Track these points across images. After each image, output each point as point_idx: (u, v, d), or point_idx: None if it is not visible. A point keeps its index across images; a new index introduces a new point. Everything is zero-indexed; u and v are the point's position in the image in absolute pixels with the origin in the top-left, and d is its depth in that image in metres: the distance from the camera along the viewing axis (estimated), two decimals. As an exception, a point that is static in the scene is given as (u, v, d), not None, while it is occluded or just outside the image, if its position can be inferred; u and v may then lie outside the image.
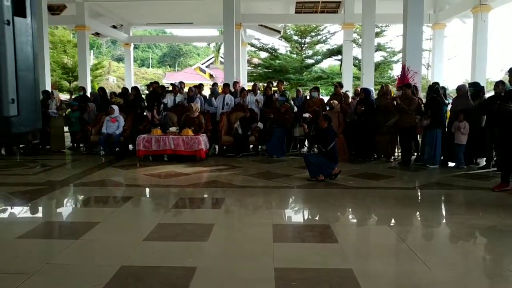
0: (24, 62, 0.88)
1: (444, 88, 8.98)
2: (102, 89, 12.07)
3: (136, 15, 21.67)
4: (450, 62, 20.47)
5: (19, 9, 0.87)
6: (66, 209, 5.63)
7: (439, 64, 18.04)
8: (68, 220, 4.97)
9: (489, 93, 9.16)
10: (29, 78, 0.91)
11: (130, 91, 11.33)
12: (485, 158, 8.22)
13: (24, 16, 0.88)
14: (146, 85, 11.91)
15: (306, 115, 9.38)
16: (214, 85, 11.47)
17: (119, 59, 45.70)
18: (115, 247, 3.83)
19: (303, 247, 3.85)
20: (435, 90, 8.29)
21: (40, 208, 5.51)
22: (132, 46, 25.50)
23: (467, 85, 8.65)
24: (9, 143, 10.27)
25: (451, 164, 8.27)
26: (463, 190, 6.41)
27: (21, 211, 5.33)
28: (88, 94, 12.66)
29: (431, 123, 8.00)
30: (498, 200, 5.61)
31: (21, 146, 10.51)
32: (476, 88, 8.38)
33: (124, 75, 27.82)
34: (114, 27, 23.17)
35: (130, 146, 10.13)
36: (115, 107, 9.81)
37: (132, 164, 8.63)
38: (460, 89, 8.29)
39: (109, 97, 11.27)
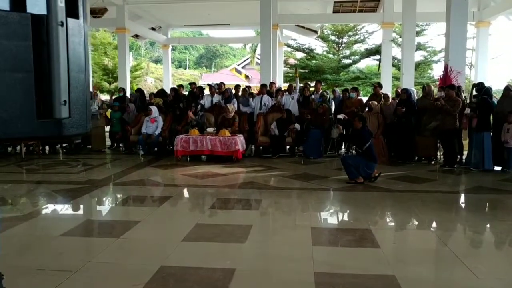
0: (76, 63, 0.87)
1: (490, 89, 8.58)
2: (139, 90, 12.32)
3: (174, 17, 22.02)
4: (494, 62, 19.67)
5: (72, 10, 0.86)
6: (107, 207, 5.76)
7: (483, 64, 17.37)
8: (109, 218, 5.08)
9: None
10: (81, 79, 0.90)
11: (169, 92, 11.51)
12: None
13: (77, 17, 0.87)
14: (177, 86, 11.96)
15: (341, 116, 9.23)
16: (248, 88, 11.39)
17: (157, 61, 46.52)
18: (155, 246, 3.87)
19: (344, 251, 3.77)
20: (485, 91, 7.93)
21: (82, 206, 5.65)
22: (170, 47, 25.91)
23: None
24: (53, 142, 10.64)
25: (496, 167, 7.90)
26: (511, 195, 6.13)
27: (64, 209, 5.49)
28: (128, 95, 12.92)
29: (479, 126, 7.66)
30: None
31: (64, 145, 10.85)
32: None
33: (161, 76, 28.30)
34: (153, 29, 23.64)
35: (169, 146, 10.27)
36: (154, 108, 9.96)
37: (170, 164, 8.74)
38: (508, 89, 7.92)
39: (148, 98, 11.47)
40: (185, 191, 6.58)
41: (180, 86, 11.57)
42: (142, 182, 7.01)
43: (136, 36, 24.17)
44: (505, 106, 7.77)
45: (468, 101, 8.66)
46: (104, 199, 6.20)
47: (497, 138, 7.65)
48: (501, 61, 56.80)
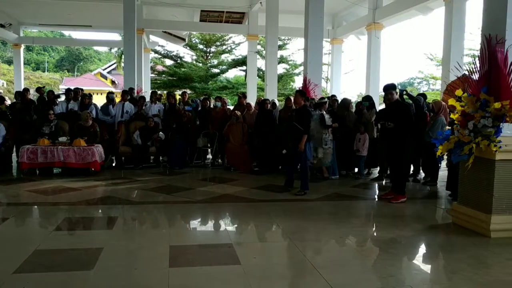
0: None
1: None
2: None
3: (27, 14, 19.85)
4: (347, 76, 21.59)
5: None
6: None
7: (337, 78, 18.83)
8: None
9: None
10: None
11: (15, 96, 10.19)
12: (378, 168, 8.58)
13: None
14: (23, 89, 10.56)
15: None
16: (110, 93, 10.60)
17: (11, 61, 41.77)
18: (-24, 283, 3.21)
19: (202, 271, 3.54)
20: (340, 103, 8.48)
21: None
22: (23, 47, 23.38)
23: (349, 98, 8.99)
24: None
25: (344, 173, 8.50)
26: (362, 201, 6.56)
27: None
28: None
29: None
30: (396, 211, 5.76)
31: None
32: (370, 101, 8.74)
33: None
34: (2, 26, 21.05)
35: (15, 158, 9.05)
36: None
37: (14, 179, 7.70)
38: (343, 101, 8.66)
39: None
40: (28, 210, 5.77)
41: (26, 90, 10.27)
42: (-25, 202, 5.99)
43: (-21, 32, 21.31)
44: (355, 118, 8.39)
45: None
46: None
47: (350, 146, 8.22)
48: (353, 76, 62.84)
